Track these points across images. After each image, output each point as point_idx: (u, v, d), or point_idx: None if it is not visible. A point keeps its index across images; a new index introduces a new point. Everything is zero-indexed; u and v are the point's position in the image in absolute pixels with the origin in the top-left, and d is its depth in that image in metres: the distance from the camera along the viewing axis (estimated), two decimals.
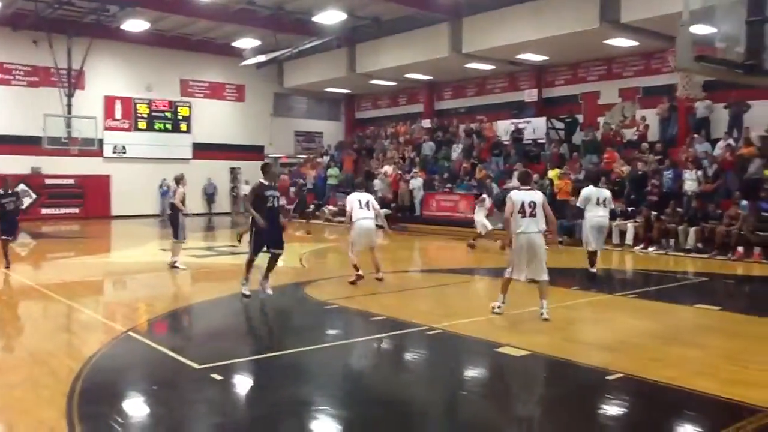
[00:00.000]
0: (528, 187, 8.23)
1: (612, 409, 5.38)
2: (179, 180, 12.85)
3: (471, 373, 6.49)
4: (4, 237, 12.76)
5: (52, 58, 23.97)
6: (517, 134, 22.91)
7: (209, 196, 29.45)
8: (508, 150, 22.48)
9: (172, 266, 12.64)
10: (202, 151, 29.11)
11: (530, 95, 24.31)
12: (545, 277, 7.94)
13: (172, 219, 12.97)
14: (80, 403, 5.10)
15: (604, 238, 11.60)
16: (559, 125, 22.78)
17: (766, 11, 7.34)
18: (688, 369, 6.13)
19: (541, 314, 7.78)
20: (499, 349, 6.67)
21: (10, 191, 13.13)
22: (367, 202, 10.72)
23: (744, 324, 8.34)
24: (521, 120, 23.47)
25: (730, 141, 17.07)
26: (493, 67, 24.30)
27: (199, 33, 27.06)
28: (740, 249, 14.19)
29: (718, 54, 7.33)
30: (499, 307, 8.12)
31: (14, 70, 25.18)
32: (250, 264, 9.40)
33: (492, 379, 6.34)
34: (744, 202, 14.80)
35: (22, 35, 24.24)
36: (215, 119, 29.81)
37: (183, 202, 12.63)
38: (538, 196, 8.08)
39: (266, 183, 9.48)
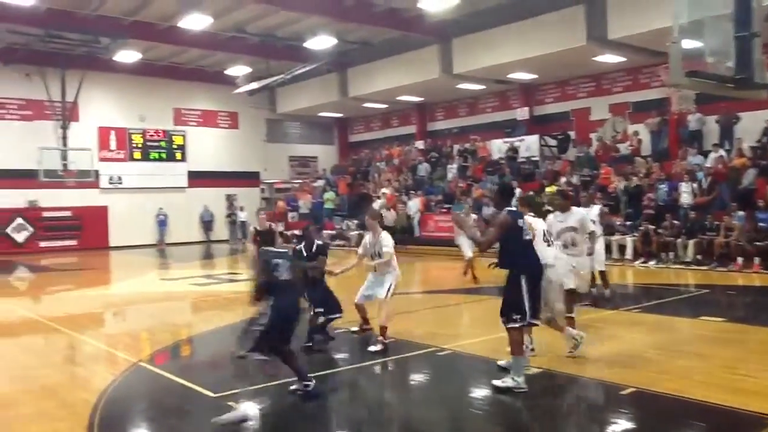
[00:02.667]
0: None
1: (631, 423, 5.44)
2: None
3: (485, 392, 6.52)
4: None
5: (46, 92, 24.12)
6: (511, 153, 23.12)
7: (206, 224, 29.50)
8: (503, 169, 22.67)
9: None
10: (198, 179, 29.21)
11: (522, 113, 24.58)
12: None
13: None
14: None
15: (578, 282, 7.81)
16: (552, 142, 23.03)
17: (752, 26, 7.56)
18: (695, 380, 6.23)
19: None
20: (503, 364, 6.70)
21: None
22: None
23: (747, 334, 8.43)
24: (515, 138, 23.71)
25: (722, 153, 17.30)
26: (483, 86, 24.59)
27: (191, 62, 27.28)
28: (740, 260, 14.33)
29: (709, 69, 7.49)
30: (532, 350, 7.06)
31: (8, 104, 25.29)
32: None
33: (510, 398, 6.38)
34: (740, 213, 14.97)
35: (14, 69, 24.42)
36: (209, 147, 29.97)
37: None
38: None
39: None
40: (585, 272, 8.05)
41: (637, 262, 15.91)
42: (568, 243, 7.61)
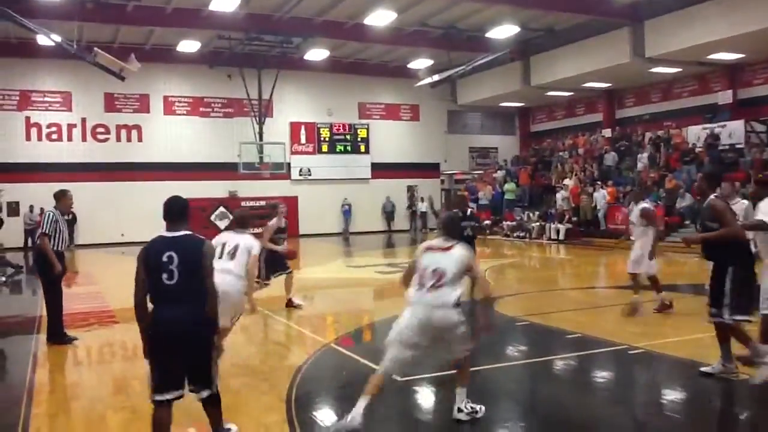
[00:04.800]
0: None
1: None
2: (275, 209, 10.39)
3: (680, 395, 6.02)
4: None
5: (245, 90, 26.02)
6: (711, 140, 21.23)
7: (388, 214, 30.31)
8: (701, 157, 20.90)
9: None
10: (381, 170, 30.10)
11: (724, 97, 22.50)
12: None
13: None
14: (297, 408, 5.44)
15: None
16: (761, 128, 20.84)
17: None
18: None
19: None
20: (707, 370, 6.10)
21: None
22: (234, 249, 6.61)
23: None
24: (715, 124, 21.76)
25: None
26: (679, 69, 22.87)
27: (375, 57, 28.10)
28: None
29: None
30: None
31: (213, 103, 27.70)
32: None
33: (722, 404, 5.86)
34: None
35: (218, 71, 26.63)
36: (392, 139, 30.75)
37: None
38: None
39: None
40: None
41: None
42: None
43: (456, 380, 5.15)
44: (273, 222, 10.05)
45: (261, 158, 26.10)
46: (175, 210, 4.34)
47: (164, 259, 4.12)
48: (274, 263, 9.86)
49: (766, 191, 6.24)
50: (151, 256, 4.19)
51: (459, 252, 4.89)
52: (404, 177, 30.73)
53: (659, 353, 7.03)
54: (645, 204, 9.32)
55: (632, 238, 9.52)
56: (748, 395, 5.77)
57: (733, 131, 21.06)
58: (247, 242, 6.60)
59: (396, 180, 30.47)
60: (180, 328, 4.11)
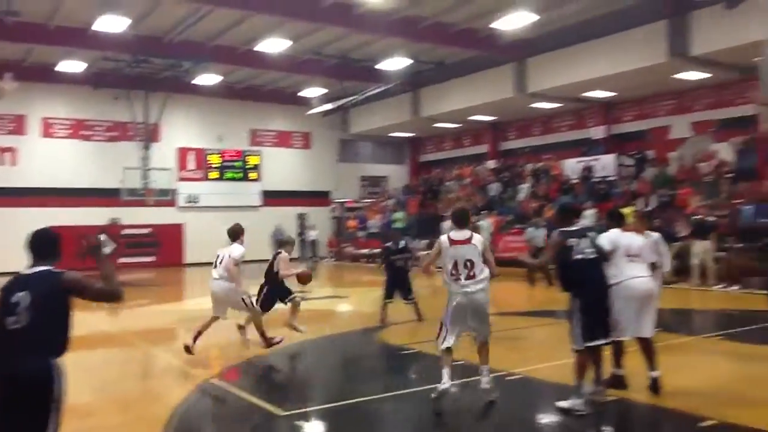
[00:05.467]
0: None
1: None
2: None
3: (552, 418, 6.25)
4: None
5: (131, 113, 25.13)
6: (586, 172, 22.56)
7: (277, 242, 29.86)
8: (577, 189, 22.13)
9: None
10: (271, 198, 29.78)
11: (597, 132, 23.99)
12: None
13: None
14: None
15: None
16: (629, 162, 22.35)
17: None
18: None
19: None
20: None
21: None
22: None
23: None
24: (590, 158, 23.15)
25: None
26: (558, 105, 24.19)
27: (268, 84, 27.94)
28: None
29: None
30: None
31: (96, 125, 26.51)
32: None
33: (578, 424, 6.11)
34: None
35: (103, 92, 25.52)
36: (283, 167, 30.54)
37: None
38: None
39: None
40: None
41: (718, 287, 15.12)
42: None
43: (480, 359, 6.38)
44: (284, 254, 10.04)
45: (145, 184, 25.21)
46: (37, 244, 3.90)
47: (13, 300, 3.62)
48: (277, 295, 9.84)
49: (614, 223, 6.65)
50: (2, 296, 3.71)
51: (477, 240, 6.20)
52: (295, 205, 30.55)
53: (536, 378, 7.28)
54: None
55: None
56: (616, 415, 6.10)
57: (605, 164, 22.47)
58: (231, 250, 8.69)
59: (287, 208, 30.23)
60: (19, 381, 3.55)
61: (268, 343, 8.88)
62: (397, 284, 11.29)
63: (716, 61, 17.72)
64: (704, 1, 15.58)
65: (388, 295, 11.30)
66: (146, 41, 21.17)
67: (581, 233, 6.17)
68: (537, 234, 17.35)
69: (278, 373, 8.83)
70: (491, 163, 28.00)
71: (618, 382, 6.46)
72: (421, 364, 8.56)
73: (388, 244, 11.62)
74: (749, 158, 18.67)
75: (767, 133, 16.68)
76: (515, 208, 23.49)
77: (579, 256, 6.02)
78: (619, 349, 6.53)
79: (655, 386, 6.27)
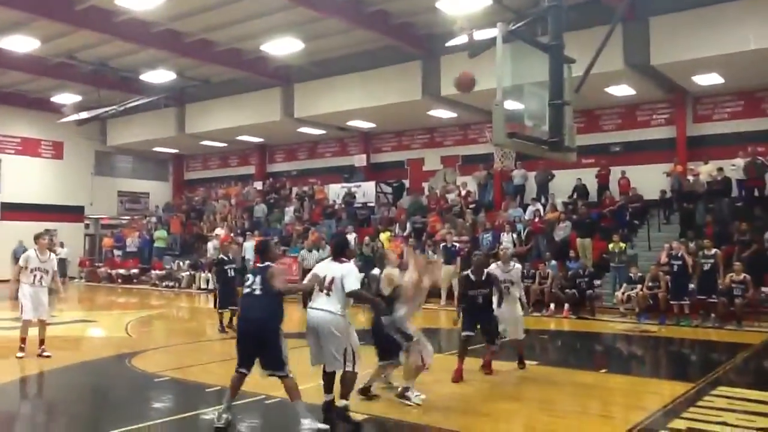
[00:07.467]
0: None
1: None
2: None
3: None
4: None
5: None
6: (348, 198, 23.57)
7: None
8: (339, 213, 23.01)
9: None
10: (13, 211, 26.78)
11: (359, 160, 25.23)
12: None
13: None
14: None
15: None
16: (388, 189, 23.83)
17: (564, 96, 8.40)
18: (516, 423, 6.59)
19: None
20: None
21: None
22: None
23: (558, 375, 9.09)
24: (352, 184, 24.25)
25: (539, 206, 18.81)
26: (323, 132, 25.00)
27: (11, 85, 25.26)
28: (552, 306, 15.51)
29: (527, 131, 8.19)
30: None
31: None
32: None
33: None
34: (553, 262, 16.26)
35: None
36: (29, 177, 27.69)
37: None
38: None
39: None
40: None
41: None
42: None
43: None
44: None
45: None
46: None
47: None
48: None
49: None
50: None
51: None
52: (43, 220, 27.66)
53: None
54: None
55: None
56: None
57: (366, 191, 23.74)
58: None
59: (33, 223, 27.31)
60: None
61: None
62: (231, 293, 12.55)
63: (461, 102, 19.61)
64: (451, 48, 17.21)
65: (222, 305, 12.73)
66: None
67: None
68: (308, 257, 17.65)
69: (14, 409, 7.95)
70: (258, 184, 28.02)
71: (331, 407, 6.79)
72: (171, 392, 8.29)
73: (221, 256, 13.22)
74: (488, 191, 20.96)
75: (501, 171, 18.92)
76: (281, 230, 23.74)
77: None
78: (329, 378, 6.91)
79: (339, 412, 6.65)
